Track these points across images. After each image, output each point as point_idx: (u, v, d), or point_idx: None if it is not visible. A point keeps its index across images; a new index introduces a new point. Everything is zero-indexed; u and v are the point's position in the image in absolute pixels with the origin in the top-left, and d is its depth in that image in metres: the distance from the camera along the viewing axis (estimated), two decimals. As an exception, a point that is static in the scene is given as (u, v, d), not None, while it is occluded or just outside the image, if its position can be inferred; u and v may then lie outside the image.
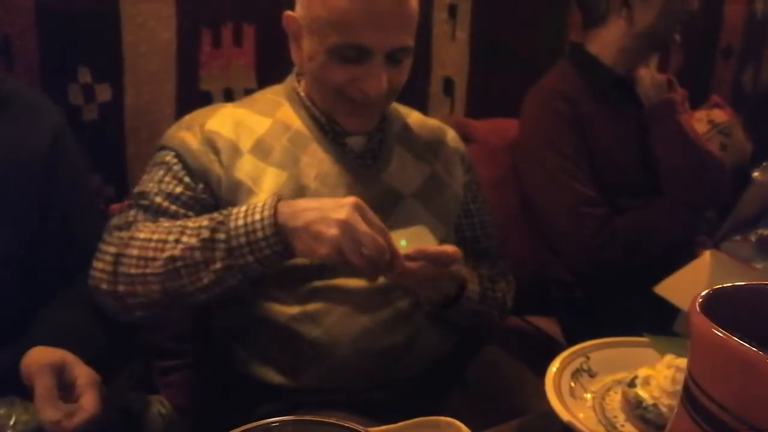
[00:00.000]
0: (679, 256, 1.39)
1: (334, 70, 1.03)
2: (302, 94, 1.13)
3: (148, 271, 0.91)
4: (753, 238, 1.25)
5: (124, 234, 0.96)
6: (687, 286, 1.22)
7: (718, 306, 0.40)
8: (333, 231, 0.87)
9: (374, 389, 1.06)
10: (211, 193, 1.03)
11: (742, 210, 1.27)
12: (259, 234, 0.89)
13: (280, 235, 0.90)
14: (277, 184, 1.04)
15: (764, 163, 1.26)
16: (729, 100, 2.36)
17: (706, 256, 1.26)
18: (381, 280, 0.98)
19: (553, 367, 0.76)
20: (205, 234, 0.91)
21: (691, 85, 1.77)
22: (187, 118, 1.11)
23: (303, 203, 0.93)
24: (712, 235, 1.36)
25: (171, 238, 0.92)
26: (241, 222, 0.90)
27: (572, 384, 0.75)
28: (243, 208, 0.92)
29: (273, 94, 1.16)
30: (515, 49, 1.99)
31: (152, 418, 1.12)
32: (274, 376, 1.06)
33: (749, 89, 2.60)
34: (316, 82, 1.08)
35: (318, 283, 1.04)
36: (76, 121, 1.42)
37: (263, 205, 0.91)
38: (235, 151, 1.05)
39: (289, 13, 1.09)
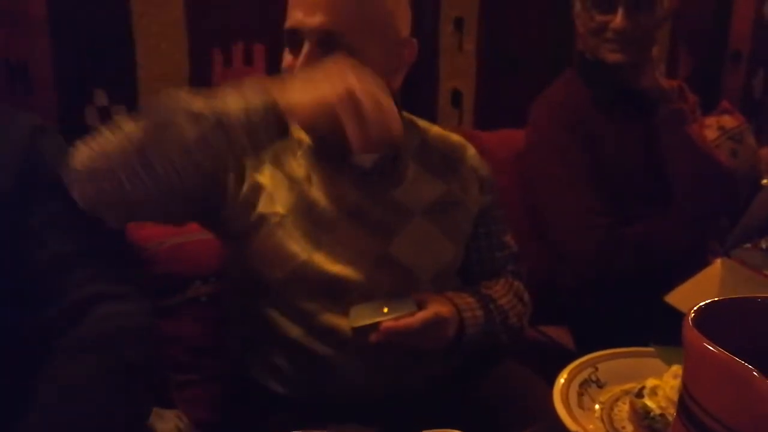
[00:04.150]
0: (691, 264, 1.39)
1: (284, 62, 1.05)
2: None
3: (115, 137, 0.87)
4: (764, 245, 1.25)
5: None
6: (698, 294, 1.22)
7: (714, 319, 0.41)
8: (329, 84, 0.85)
9: (385, 402, 1.07)
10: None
11: (752, 217, 1.27)
12: (246, 87, 0.86)
13: (268, 91, 0.85)
14: (289, 196, 1.06)
15: (773, 171, 1.26)
16: (739, 106, 2.36)
17: (717, 264, 1.25)
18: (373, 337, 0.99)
19: (561, 378, 0.77)
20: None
21: (700, 90, 1.77)
22: None
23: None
24: (723, 243, 1.36)
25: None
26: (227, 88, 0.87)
27: (580, 395, 0.76)
28: None
29: None
30: (522, 60, 2.01)
31: (170, 433, 1.13)
32: (287, 390, 1.08)
33: (759, 94, 2.60)
34: None
35: (327, 300, 1.05)
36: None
37: None
38: (259, 159, 1.07)
39: None
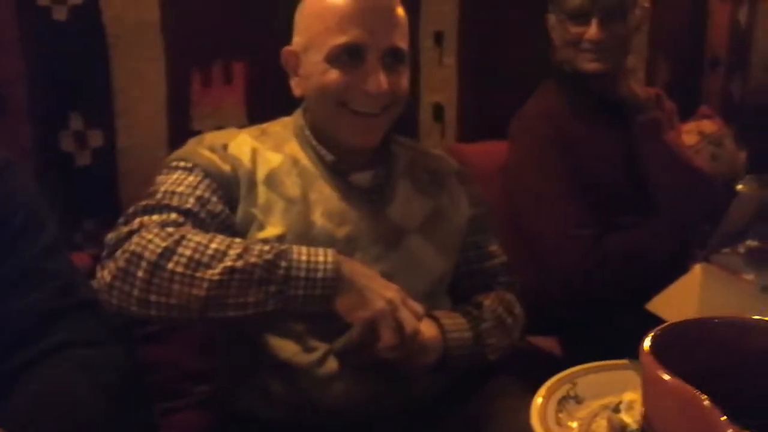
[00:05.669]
0: (675, 270, 1.39)
1: (333, 75, 1.06)
2: (307, 131, 1.15)
3: (197, 274, 0.91)
4: (742, 250, 1.26)
5: (173, 230, 0.95)
6: (679, 301, 1.23)
7: (675, 341, 0.42)
8: (380, 303, 0.94)
9: (376, 420, 1.07)
10: (230, 217, 1.06)
11: (730, 223, 1.28)
12: (319, 274, 0.94)
13: (335, 282, 0.94)
14: (286, 218, 1.06)
15: (748, 176, 1.27)
16: (718, 110, 2.38)
17: (697, 269, 1.26)
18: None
19: (539, 397, 0.77)
20: (269, 257, 0.94)
21: (680, 97, 1.79)
22: (207, 137, 1.13)
23: (359, 265, 0.99)
24: (703, 248, 1.37)
25: (232, 252, 0.93)
26: (303, 258, 0.95)
27: (559, 412, 0.75)
28: (303, 247, 0.97)
29: (282, 127, 1.18)
30: (503, 72, 2.01)
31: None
32: (276, 413, 1.08)
33: (738, 98, 2.62)
34: (318, 97, 1.10)
35: (320, 320, 1.04)
36: (69, 167, 1.44)
37: (325, 251, 0.97)
38: (252, 182, 1.08)
39: (287, 48, 1.14)
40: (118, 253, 0.94)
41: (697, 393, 0.33)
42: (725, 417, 0.31)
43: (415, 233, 1.14)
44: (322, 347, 1.05)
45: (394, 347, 0.95)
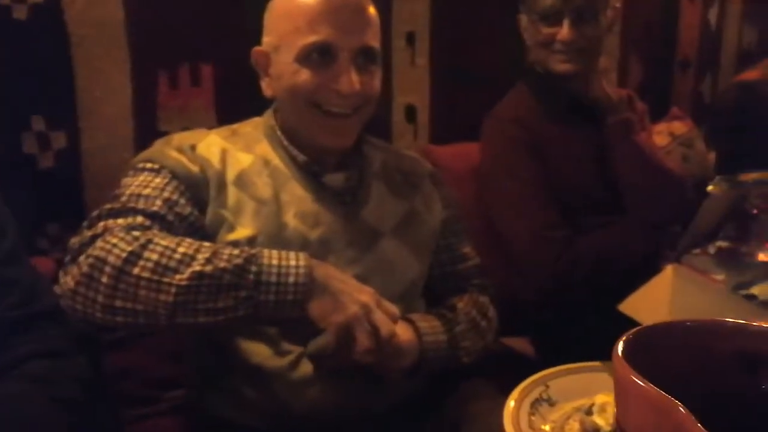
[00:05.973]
0: (647, 271, 1.40)
1: (304, 75, 1.05)
2: (279, 132, 1.13)
3: (165, 279, 0.89)
4: (712, 250, 1.26)
5: (139, 234, 0.93)
6: (651, 302, 1.23)
7: (648, 344, 0.40)
8: (354, 307, 0.93)
9: (350, 424, 1.06)
10: (199, 219, 1.04)
11: (700, 223, 1.29)
12: (291, 279, 0.92)
13: (307, 287, 0.92)
14: (257, 219, 1.04)
15: (718, 177, 1.28)
16: (689, 112, 2.41)
17: (668, 270, 1.26)
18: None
19: (511, 401, 0.76)
20: (238, 261, 0.92)
21: (651, 98, 1.81)
22: (175, 138, 1.11)
23: (332, 269, 0.97)
24: (674, 249, 1.38)
25: (201, 256, 0.91)
26: (275, 262, 0.93)
27: (532, 415, 0.75)
28: (274, 251, 0.94)
29: (253, 127, 1.16)
30: (476, 73, 2.01)
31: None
32: (248, 418, 1.06)
33: (708, 99, 2.66)
34: (290, 97, 1.08)
35: (289, 324, 1.03)
36: (32, 170, 1.40)
37: (297, 255, 0.94)
38: (221, 182, 1.06)
39: (257, 48, 1.12)
40: (82, 258, 0.92)
41: (671, 399, 0.32)
42: (700, 424, 0.30)
43: (388, 235, 1.13)
44: (295, 351, 1.03)
45: (370, 351, 0.94)
